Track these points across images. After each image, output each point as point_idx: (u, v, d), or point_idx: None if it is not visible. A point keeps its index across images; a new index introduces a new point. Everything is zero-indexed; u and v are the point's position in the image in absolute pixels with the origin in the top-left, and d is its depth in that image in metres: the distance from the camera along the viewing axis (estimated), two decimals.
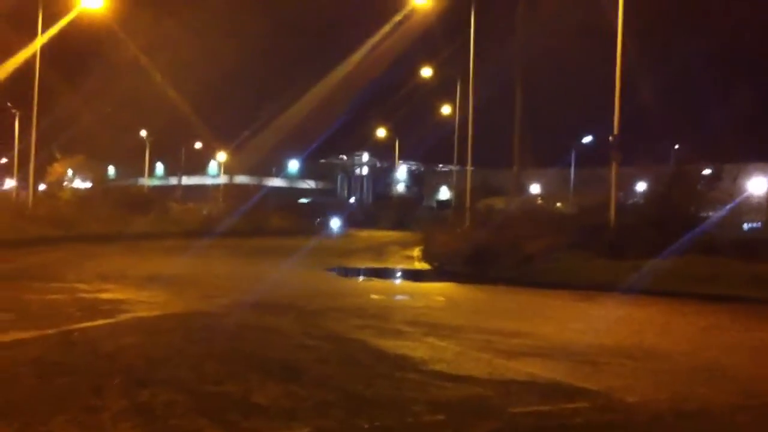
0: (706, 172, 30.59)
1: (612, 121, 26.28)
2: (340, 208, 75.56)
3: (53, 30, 37.78)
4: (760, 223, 35.34)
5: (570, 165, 69.59)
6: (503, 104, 40.17)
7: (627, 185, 33.77)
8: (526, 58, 38.12)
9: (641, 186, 36.17)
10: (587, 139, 66.04)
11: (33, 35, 38.30)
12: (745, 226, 35.06)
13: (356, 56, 54.42)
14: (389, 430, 6.59)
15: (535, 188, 65.59)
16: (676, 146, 43.30)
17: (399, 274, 26.43)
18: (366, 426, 6.61)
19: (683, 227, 24.03)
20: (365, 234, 56.70)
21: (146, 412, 6.83)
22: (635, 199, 32.89)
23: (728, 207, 28.40)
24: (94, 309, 13.39)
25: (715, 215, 27.52)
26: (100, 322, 11.98)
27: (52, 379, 8.02)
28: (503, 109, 40.24)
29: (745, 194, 33.98)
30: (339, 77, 58.60)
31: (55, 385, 7.76)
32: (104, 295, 15.55)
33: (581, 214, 31.65)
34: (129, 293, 16.05)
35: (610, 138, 26.48)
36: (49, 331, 10.81)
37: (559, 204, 51.83)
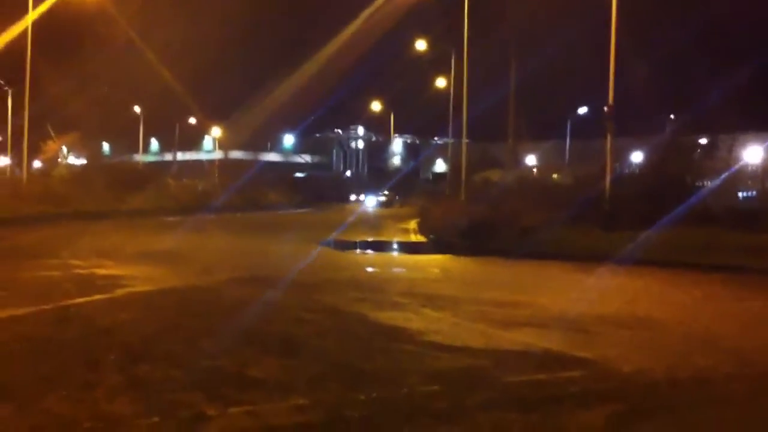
0: (702, 141, 30.60)
1: (607, 92, 26.20)
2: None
3: (44, 6, 37.47)
4: (755, 192, 35.34)
5: (565, 136, 69.45)
6: (499, 77, 40.05)
7: (622, 155, 33.80)
8: (521, 30, 38.02)
9: (637, 156, 36.15)
10: (582, 110, 65.89)
11: (24, 12, 38.01)
12: (740, 195, 35.09)
13: (350, 29, 54.13)
14: (386, 401, 6.60)
15: (530, 160, 65.53)
16: (672, 116, 43.19)
17: (395, 247, 26.46)
18: (362, 398, 6.63)
19: (679, 197, 24.07)
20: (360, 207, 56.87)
21: (142, 387, 6.83)
22: (631, 169, 32.91)
23: (723, 176, 28.40)
24: (89, 285, 13.38)
25: (710, 185, 27.53)
26: (96, 297, 11.98)
27: (48, 356, 8.02)
28: (499, 81, 40.11)
29: (741, 163, 33.94)
30: (333, 50, 58.29)
31: (50, 361, 7.75)
32: (100, 271, 15.54)
33: (577, 185, 31.66)
34: (125, 269, 16.02)
35: (605, 108, 26.41)
36: (45, 307, 10.80)
37: (555, 175, 51.78)
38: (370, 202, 68.02)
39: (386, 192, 71.01)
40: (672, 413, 6.63)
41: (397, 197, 69.92)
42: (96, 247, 21.39)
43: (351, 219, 43.77)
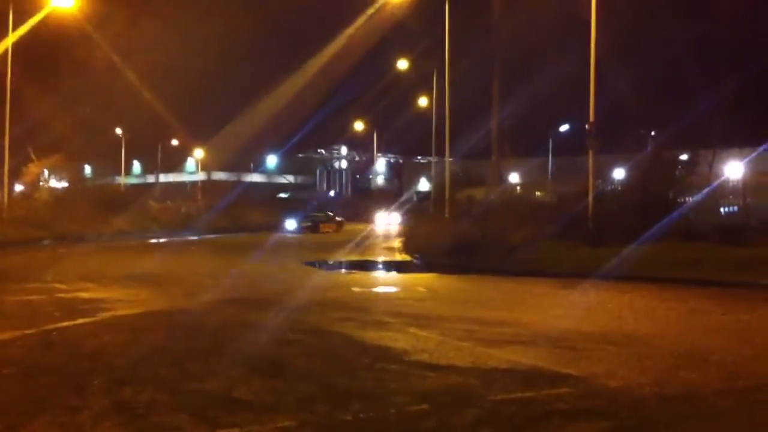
0: (683, 157, 30.79)
1: (588, 109, 26.33)
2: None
3: (24, 28, 37.39)
4: (736, 207, 35.59)
5: (548, 154, 69.79)
6: (481, 95, 40.23)
7: (605, 172, 33.91)
8: (503, 49, 38.22)
9: (619, 173, 36.33)
10: (564, 128, 66.26)
11: (4, 35, 37.91)
12: (722, 210, 35.32)
13: (332, 49, 54.32)
14: (373, 421, 6.57)
15: (514, 178, 65.79)
16: (653, 133, 43.50)
17: (380, 266, 26.42)
18: (350, 418, 6.60)
19: (662, 212, 24.18)
20: (346, 227, 56.71)
21: (127, 410, 6.77)
22: (614, 185, 33.06)
23: (705, 191, 28.58)
24: (73, 309, 13.29)
25: (692, 200, 27.70)
26: (80, 321, 11.89)
27: (33, 380, 7.94)
28: (481, 100, 40.29)
29: (722, 178, 34.19)
30: (315, 70, 58.44)
31: (35, 386, 7.68)
32: (84, 295, 15.44)
33: (561, 202, 31.78)
34: (109, 292, 15.92)
35: (587, 126, 26.54)
36: (29, 332, 10.72)
37: (538, 193, 52.00)
38: (291, 225, 56.75)
39: (315, 214, 58.82)
40: (660, 428, 6.62)
41: (335, 219, 58.24)
42: (79, 270, 21.25)
43: (332, 240, 43.71)
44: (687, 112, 31.92)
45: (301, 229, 54.50)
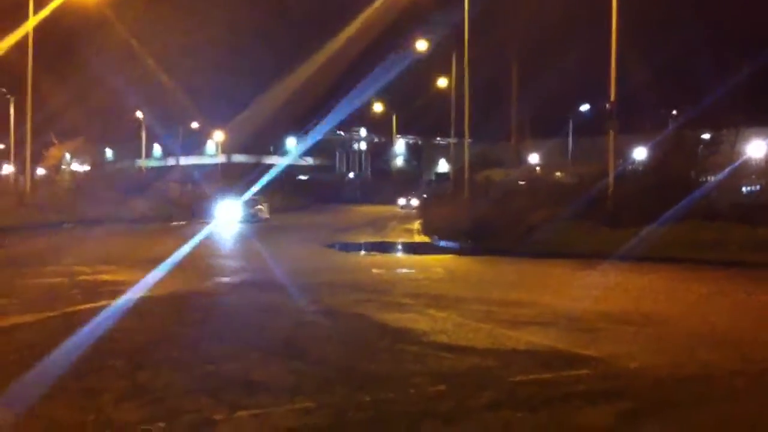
0: (705, 137, 30.52)
1: (609, 89, 26.14)
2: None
3: (45, 11, 37.50)
4: (759, 186, 35.26)
5: (568, 134, 69.32)
6: (501, 77, 40.05)
7: (625, 152, 33.68)
8: (523, 29, 38.02)
9: (640, 152, 36.07)
10: (584, 108, 65.77)
11: (24, 18, 38.05)
12: (744, 189, 35.00)
13: (350, 31, 54.08)
14: (392, 402, 6.58)
15: (533, 159, 65.42)
16: (674, 112, 43.10)
17: (399, 247, 26.46)
18: (369, 399, 6.61)
19: (683, 193, 24.01)
20: (365, 209, 56.76)
21: (147, 392, 6.81)
22: (634, 166, 32.84)
23: (727, 171, 28.33)
24: (94, 291, 13.39)
25: (714, 180, 27.47)
26: (101, 303, 11.95)
27: (53, 362, 8.00)
28: (502, 81, 40.11)
29: (744, 157, 33.86)
30: (333, 52, 58.22)
31: (56, 368, 7.74)
32: (105, 277, 15.56)
33: (580, 183, 31.63)
34: (129, 275, 16.00)
35: (607, 105, 26.36)
36: (50, 314, 10.80)
37: (558, 173, 51.72)
38: (230, 212, 44.83)
39: (255, 198, 48.47)
40: (679, 410, 6.59)
41: (263, 206, 47.82)
42: (100, 253, 21.39)
43: (351, 222, 43.67)
44: (709, 90, 31.59)
45: (251, 217, 44.54)
